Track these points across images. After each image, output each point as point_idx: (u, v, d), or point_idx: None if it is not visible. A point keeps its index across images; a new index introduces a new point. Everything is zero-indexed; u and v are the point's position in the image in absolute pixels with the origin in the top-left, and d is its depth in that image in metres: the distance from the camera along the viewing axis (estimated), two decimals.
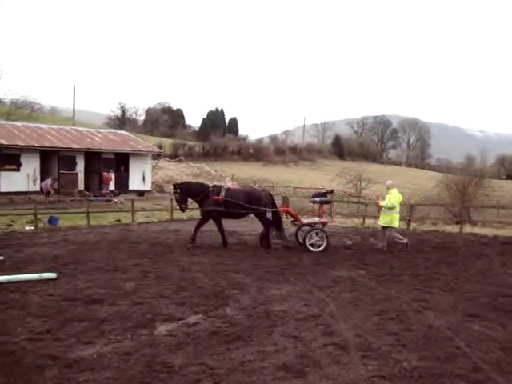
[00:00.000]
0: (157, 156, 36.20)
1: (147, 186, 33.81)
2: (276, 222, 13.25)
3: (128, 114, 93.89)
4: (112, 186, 31.14)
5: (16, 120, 40.25)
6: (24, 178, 27.81)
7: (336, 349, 5.75)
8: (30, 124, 34.80)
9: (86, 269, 9.83)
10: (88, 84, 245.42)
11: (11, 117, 44.60)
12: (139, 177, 33.03)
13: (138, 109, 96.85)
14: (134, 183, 32.95)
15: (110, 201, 26.92)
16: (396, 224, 13.22)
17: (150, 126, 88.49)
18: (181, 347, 5.72)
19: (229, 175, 44.90)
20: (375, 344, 5.92)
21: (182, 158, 52.97)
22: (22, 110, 51.26)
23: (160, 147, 44.75)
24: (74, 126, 42.19)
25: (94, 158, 31.21)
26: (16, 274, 9.03)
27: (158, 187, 36.75)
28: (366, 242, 14.65)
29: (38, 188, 28.06)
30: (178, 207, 13.30)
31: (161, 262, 10.67)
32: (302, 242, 12.97)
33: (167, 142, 62.66)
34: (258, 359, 5.41)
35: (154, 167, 35.81)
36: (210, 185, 13.72)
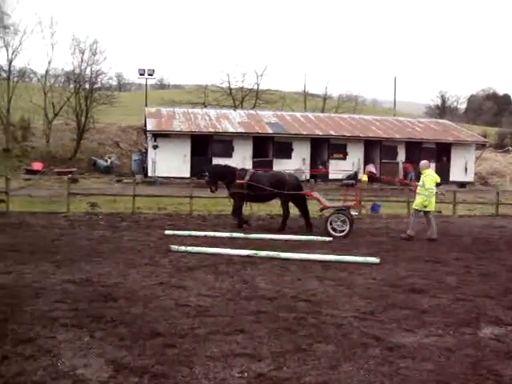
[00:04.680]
0: (481, 146, 34.09)
1: (469, 178, 32.17)
2: (300, 207, 13.18)
3: (448, 103, 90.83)
4: (413, 176, 30.42)
5: (343, 113, 43.41)
6: (349, 167, 29.80)
7: None
8: (355, 116, 37.09)
9: (407, 257, 9.96)
10: (407, 74, 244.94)
11: (339, 110, 48.34)
12: (461, 167, 31.66)
13: (460, 97, 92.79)
14: (455, 174, 31.68)
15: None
16: (431, 207, 12.25)
17: (472, 114, 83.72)
18: (510, 356, 5.25)
19: None
20: None
21: (509, 148, 48.33)
22: (347, 104, 55.06)
23: (484, 136, 41.88)
24: (394, 116, 43.04)
25: (414, 147, 31.29)
26: (344, 255, 9.78)
27: (481, 179, 34.53)
28: None
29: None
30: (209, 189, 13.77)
31: (485, 259, 10.03)
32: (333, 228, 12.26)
33: (492, 131, 58.18)
34: None
35: (477, 158, 33.83)
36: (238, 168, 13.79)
